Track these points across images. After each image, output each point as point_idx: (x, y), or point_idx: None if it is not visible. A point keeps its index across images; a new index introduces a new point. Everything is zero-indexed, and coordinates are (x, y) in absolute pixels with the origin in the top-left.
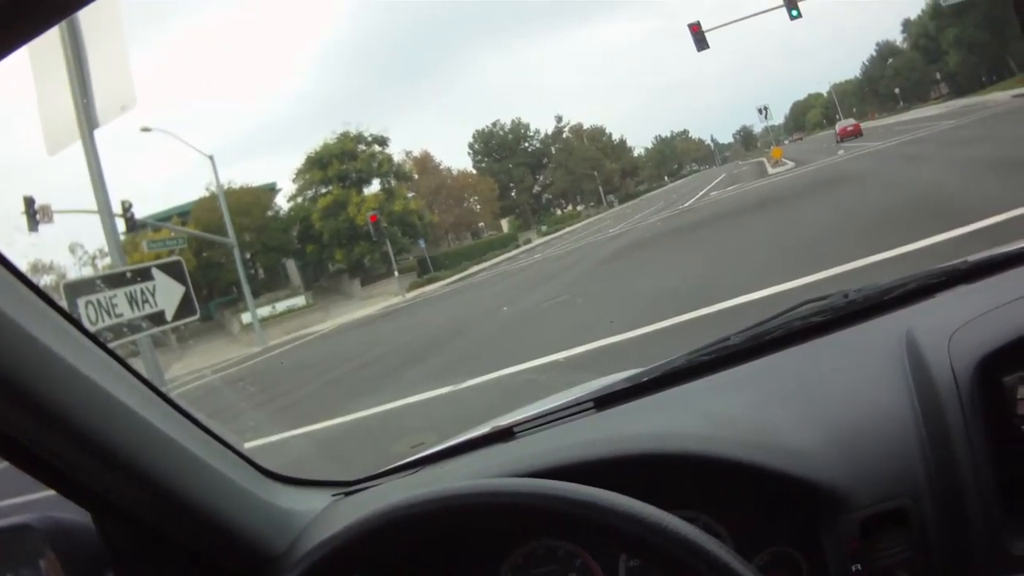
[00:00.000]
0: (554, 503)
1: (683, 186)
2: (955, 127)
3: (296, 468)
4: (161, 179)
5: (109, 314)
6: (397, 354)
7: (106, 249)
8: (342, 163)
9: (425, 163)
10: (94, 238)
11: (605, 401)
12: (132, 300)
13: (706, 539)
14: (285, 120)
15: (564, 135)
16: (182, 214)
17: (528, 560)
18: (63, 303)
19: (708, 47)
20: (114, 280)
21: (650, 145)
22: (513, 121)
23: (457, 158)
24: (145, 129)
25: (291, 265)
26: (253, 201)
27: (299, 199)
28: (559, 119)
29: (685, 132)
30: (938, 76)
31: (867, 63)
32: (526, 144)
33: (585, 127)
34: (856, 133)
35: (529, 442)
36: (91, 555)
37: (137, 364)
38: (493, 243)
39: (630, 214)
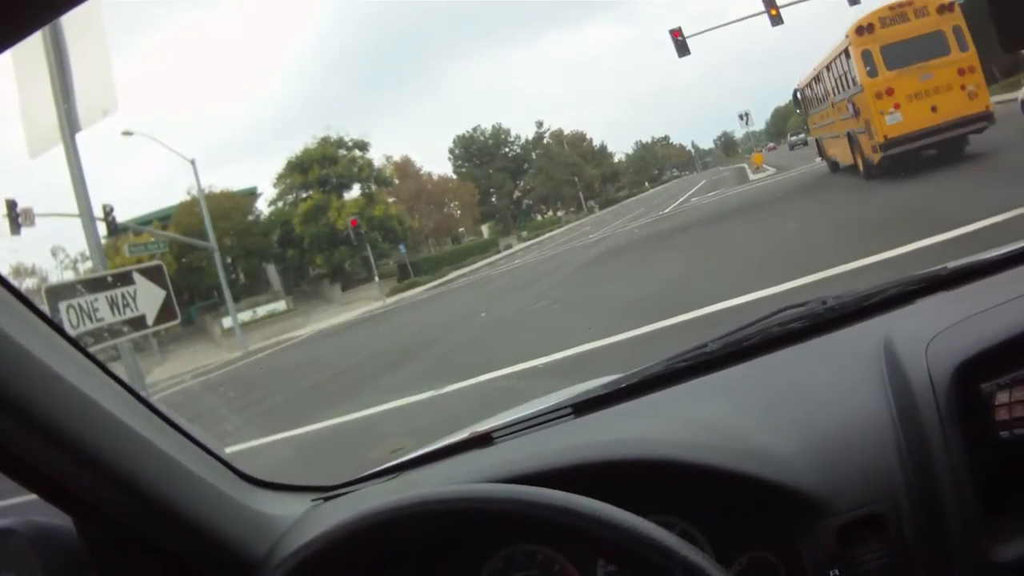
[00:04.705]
0: (532, 509)
1: (664, 192)
2: None
3: (276, 473)
4: (142, 183)
5: (90, 318)
6: (377, 359)
7: (87, 253)
8: (323, 168)
9: (405, 168)
10: (76, 242)
11: (583, 407)
12: (113, 304)
13: (683, 545)
14: (266, 125)
15: (545, 141)
16: (163, 218)
17: (507, 565)
18: (45, 307)
19: (689, 53)
20: (95, 284)
21: (631, 151)
22: (494, 126)
23: (437, 163)
24: (127, 133)
25: (272, 270)
26: (234, 205)
27: (280, 204)
28: (540, 124)
29: (666, 138)
30: None
31: None
32: (507, 149)
33: (566, 133)
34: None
35: (508, 448)
36: (73, 560)
37: (118, 368)
38: (473, 248)
39: (610, 220)
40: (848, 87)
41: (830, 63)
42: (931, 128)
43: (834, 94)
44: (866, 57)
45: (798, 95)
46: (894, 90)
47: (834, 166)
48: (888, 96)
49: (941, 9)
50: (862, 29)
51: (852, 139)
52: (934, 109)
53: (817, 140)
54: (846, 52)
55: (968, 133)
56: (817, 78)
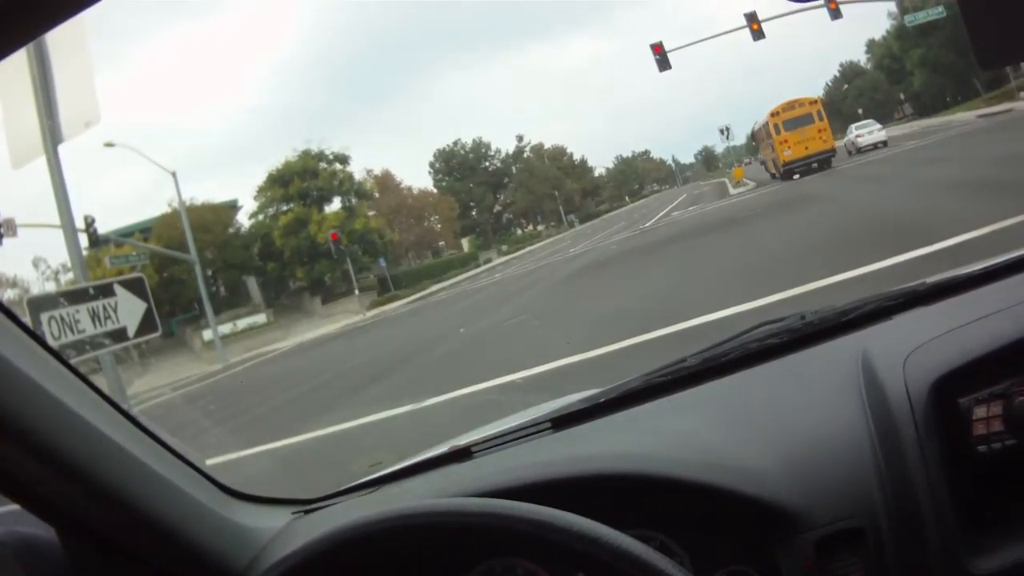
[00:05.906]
0: (511, 523)
1: (644, 206)
2: (920, 147)
3: (256, 485)
4: (124, 195)
5: (72, 330)
6: (356, 373)
7: (69, 264)
8: (303, 181)
9: (386, 181)
10: (57, 253)
11: (562, 421)
12: (95, 316)
13: (660, 559)
14: (247, 137)
15: (525, 155)
16: (144, 230)
17: None
18: (26, 318)
19: (670, 68)
20: (77, 296)
21: (611, 165)
22: (474, 140)
23: (418, 177)
24: (109, 144)
25: (252, 282)
26: (215, 218)
27: (260, 216)
28: (520, 138)
29: (647, 152)
30: (902, 97)
31: (831, 84)
32: (487, 163)
33: (546, 147)
34: (748, 163)
35: (487, 462)
36: (56, 570)
37: (99, 380)
38: (453, 262)
39: (590, 234)
40: (770, 138)
41: (762, 124)
42: (804, 157)
43: (766, 139)
44: (775, 127)
45: (752, 135)
46: (788, 140)
47: (772, 176)
48: (785, 143)
49: (811, 103)
50: (774, 113)
51: (774, 162)
52: (807, 148)
53: (762, 161)
54: (767, 123)
55: (825, 159)
56: (759, 129)
